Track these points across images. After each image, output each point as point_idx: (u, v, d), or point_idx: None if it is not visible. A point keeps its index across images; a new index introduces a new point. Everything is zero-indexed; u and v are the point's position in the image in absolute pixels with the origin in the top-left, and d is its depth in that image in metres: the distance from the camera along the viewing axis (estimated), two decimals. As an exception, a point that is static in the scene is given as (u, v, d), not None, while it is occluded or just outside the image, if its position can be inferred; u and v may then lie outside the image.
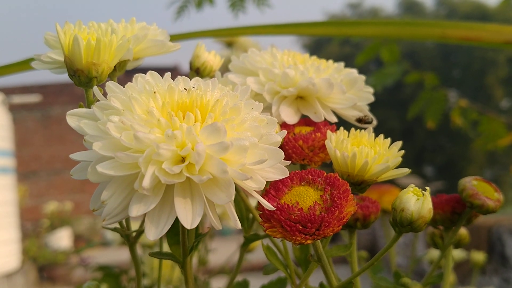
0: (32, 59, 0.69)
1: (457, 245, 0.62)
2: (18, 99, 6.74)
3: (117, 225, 0.54)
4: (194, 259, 1.22)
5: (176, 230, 0.48)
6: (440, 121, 1.79)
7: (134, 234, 0.54)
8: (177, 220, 0.35)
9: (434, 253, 1.09)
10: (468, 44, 0.88)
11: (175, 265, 1.22)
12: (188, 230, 0.45)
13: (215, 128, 0.35)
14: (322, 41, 11.86)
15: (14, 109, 6.96)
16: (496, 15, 11.15)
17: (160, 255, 0.47)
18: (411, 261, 1.06)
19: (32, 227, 6.99)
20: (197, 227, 0.48)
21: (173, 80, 0.43)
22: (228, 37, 1.24)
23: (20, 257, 5.00)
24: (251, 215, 0.57)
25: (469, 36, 0.88)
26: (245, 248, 0.57)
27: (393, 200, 0.86)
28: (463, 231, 0.63)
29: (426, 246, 3.21)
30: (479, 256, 1.17)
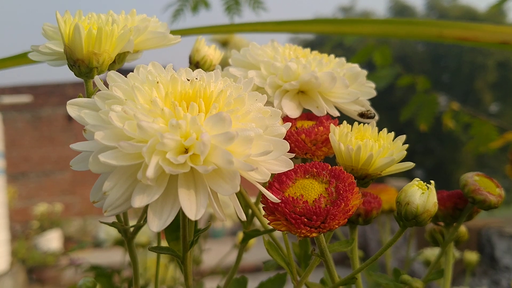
0: (26, 53, 0.68)
1: (457, 242, 0.61)
2: (8, 99, 6.68)
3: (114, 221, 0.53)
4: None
5: (174, 226, 0.47)
6: (430, 124, 1.79)
7: (131, 229, 0.53)
8: (176, 216, 0.34)
9: (428, 252, 1.09)
10: (465, 44, 0.88)
11: (168, 264, 1.21)
12: (187, 225, 0.44)
13: (220, 118, 0.34)
14: (314, 43, 11.90)
15: (4, 110, 6.91)
16: (486, 19, 11.26)
17: (160, 250, 0.46)
18: (406, 261, 1.07)
19: (22, 228, 6.92)
20: (196, 223, 0.48)
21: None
22: (225, 34, 1.23)
23: (9, 259, 4.95)
24: (250, 211, 0.56)
25: (466, 36, 0.88)
26: (244, 244, 0.56)
27: (389, 199, 0.85)
28: (462, 229, 0.62)
29: (417, 247, 3.22)
30: (472, 256, 1.17)
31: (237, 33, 1.26)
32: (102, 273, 0.96)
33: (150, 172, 0.32)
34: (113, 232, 1.25)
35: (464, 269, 1.17)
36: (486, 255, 3.00)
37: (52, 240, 6.49)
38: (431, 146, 12.05)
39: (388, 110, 9.91)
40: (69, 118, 8.39)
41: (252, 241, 0.87)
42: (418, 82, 1.80)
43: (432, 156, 12.05)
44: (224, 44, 1.42)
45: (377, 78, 1.75)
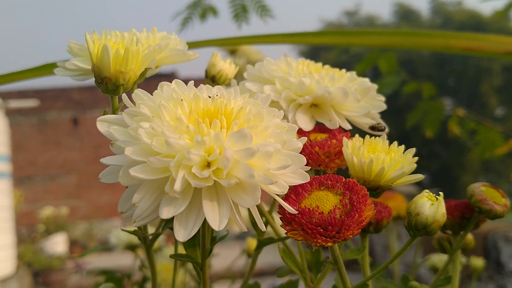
0: (48, 65, 0.70)
1: (464, 250, 0.63)
2: (14, 103, 6.73)
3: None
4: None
5: (193, 233, 0.49)
6: (436, 130, 1.81)
7: (150, 237, 0.55)
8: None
9: (435, 258, 1.11)
10: (470, 54, 0.90)
11: (178, 269, 1.23)
12: (205, 233, 0.46)
13: (242, 134, 0.36)
14: (318, 49, 11.92)
15: (10, 114, 6.95)
16: (490, 24, 11.26)
17: (180, 257, 0.48)
18: (412, 266, 1.08)
19: (28, 232, 6.96)
20: (212, 230, 0.50)
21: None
22: (235, 46, 1.26)
23: (15, 262, 4.98)
24: (264, 219, 0.58)
25: (471, 47, 0.90)
26: (258, 251, 0.59)
27: (396, 206, 0.87)
28: (469, 236, 0.64)
29: (424, 253, 3.23)
30: (478, 262, 1.18)
31: (247, 45, 1.29)
32: (112, 277, 0.98)
33: (178, 185, 0.34)
34: (124, 237, 1.27)
35: (470, 274, 1.18)
36: (492, 260, 3.00)
37: (57, 244, 6.53)
38: (436, 150, 12.04)
39: (394, 115, 9.92)
40: (75, 122, 8.44)
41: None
42: (424, 89, 1.82)
43: (437, 160, 12.04)
44: (232, 52, 1.44)
45: (382, 85, 1.77)
